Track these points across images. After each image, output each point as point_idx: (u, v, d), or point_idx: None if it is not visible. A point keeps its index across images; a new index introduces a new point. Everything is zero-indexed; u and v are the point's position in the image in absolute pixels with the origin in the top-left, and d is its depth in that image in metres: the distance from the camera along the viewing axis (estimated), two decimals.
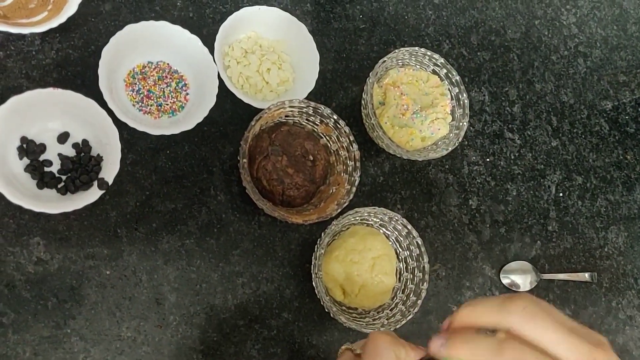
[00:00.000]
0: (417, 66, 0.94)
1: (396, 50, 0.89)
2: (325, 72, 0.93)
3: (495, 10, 1.08)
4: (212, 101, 0.82)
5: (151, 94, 0.83)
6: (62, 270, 0.75)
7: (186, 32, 0.83)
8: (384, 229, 0.87)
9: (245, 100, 0.83)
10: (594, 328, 0.87)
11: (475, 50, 1.04)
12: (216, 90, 0.82)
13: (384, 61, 0.87)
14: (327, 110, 0.83)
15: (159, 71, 0.84)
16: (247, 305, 0.82)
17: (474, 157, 0.99)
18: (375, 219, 0.86)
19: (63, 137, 0.77)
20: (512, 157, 1.01)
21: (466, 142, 0.99)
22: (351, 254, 0.82)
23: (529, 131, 1.03)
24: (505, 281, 0.94)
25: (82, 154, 0.77)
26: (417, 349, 0.47)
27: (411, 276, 0.85)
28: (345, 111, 0.92)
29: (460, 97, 0.92)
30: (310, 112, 0.84)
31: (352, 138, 0.83)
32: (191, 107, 0.84)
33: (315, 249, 0.80)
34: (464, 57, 1.03)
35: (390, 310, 0.84)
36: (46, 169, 0.76)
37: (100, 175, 0.76)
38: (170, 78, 0.85)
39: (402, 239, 0.86)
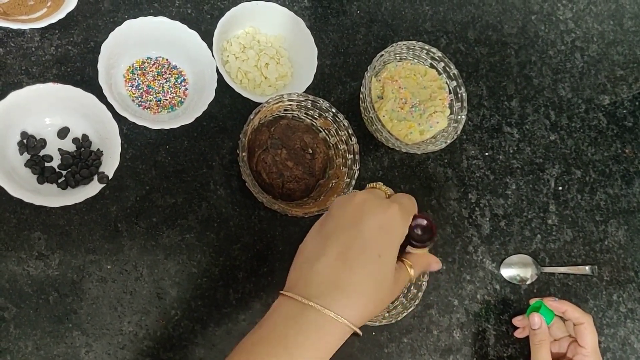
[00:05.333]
0: (415, 60, 0.94)
1: (394, 45, 0.89)
2: (323, 67, 0.93)
3: (492, 5, 1.08)
4: (211, 96, 0.82)
5: (150, 90, 0.84)
6: (63, 265, 0.75)
7: (185, 27, 0.84)
8: None
9: (244, 94, 0.84)
10: (596, 321, 0.87)
11: (472, 46, 1.05)
12: (215, 85, 0.83)
13: (382, 55, 0.88)
14: (325, 104, 0.83)
15: (158, 67, 0.85)
16: (248, 300, 0.82)
17: (473, 151, 0.99)
18: None
19: (63, 132, 0.78)
20: (511, 151, 1.01)
21: (465, 137, 0.99)
22: None
23: (527, 125, 1.04)
24: (505, 275, 0.94)
25: (82, 148, 0.77)
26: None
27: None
28: (344, 106, 0.93)
29: (458, 90, 0.92)
30: (309, 105, 0.84)
31: (350, 131, 0.84)
32: (190, 102, 0.85)
33: None
34: (462, 52, 1.03)
35: (391, 303, 0.84)
36: (46, 164, 0.77)
37: (100, 170, 0.76)
38: (169, 73, 0.85)
39: None
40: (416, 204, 0.63)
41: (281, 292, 0.56)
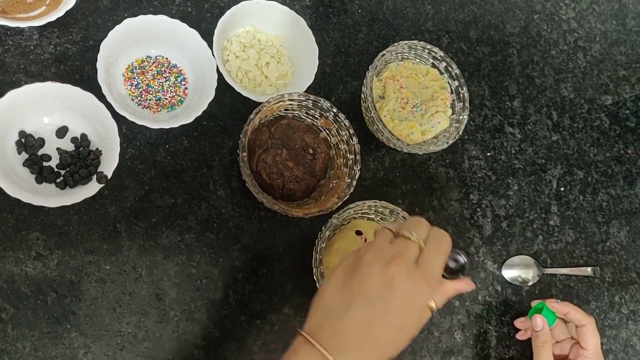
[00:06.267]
0: (417, 60, 0.94)
1: (395, 44, 0.89)
2: (324, 67, 0.93)
3: (494, 4, 1.07)
4: (211, 95, 0.81)
5: (150, 89, 0.83)
6: (61, 265, 0.75)
7: (185, 26, 0.83)
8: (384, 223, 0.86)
9: (245, 94, 0.83)
10: (598, 323, 0.87)
11: (474, 45, 1.04)
12: (215, 85, 0.82)
13: (384, 54, 0.87)
14: (326, 104, 0.83)
15: (157, 65, 0.84)
16: (248, 301, 0.82)
17: (475, 152, 0.98)
18: (376, 213, 0.85)
19: (62, 131, 0.77)
20: (513, 152, 1.01)
21: (466, 137, 0.98)
22: (352, 247, 0.81)
23: (529, 125, 1.03)
24: (507, 276, 0.94)
25: (81, 148, 0.77)
26: None
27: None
28: (345, 105, 0.92)
29: (460, 90, 0.91)
30: (310, 105, 0.83)
31: (352, 131, 0.83)
32: (190, 102, 0.84)
33: (316, 243, 0.80)
34: (464, 51, 1.03)
35: None
36: (45, 164, 0.76)
37: (99, 169, 0.75)
38: (169, 72, 0.85)
39: None
40: (450, 243, 0.62)
41: (302, 332, 0.58)
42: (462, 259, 0.63)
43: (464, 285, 0.64)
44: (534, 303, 0.88)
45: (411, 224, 0.62)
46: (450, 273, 0.63)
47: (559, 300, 0.86)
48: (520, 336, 0.90)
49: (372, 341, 0.57)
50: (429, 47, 0.91)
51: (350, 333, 0.56)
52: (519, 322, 0.90)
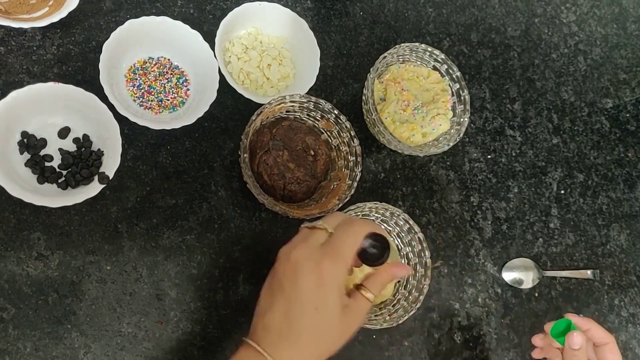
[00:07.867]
0: (418, 62, 0.94)
1: (397, 46, 0.89)
2: (325, 69, 0.93)
3: (495, 8, 1.08)
4: (212, 96, 0.82)
5: (152, 90, 0.83)
6: (62, 266, 0.75)
7: (187, 27, 0.83)
8: (385, 225, 0.87)
9: (246, 95, 0.83)
10: None
11: (475, 48, 1.04)
12: (217, 86, 0.82)
13: (385, 57, 0.87)
14: (328, 105, 0.83)
15: (159, 67, 0.85)
16: (248, 302, 0.82)
17: (475, 154, 0.99)
18: (376, 215, 0.85)
19: (64, 132, 0.77)
20: (513, 154, 1.01)
21: (467, 139, 0.99)
22: None
23: (530, 128, 1.03)
24: (507, 278, 0.94)
25: (83, 148, 0.77)
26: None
27: (413, 272, 0.84)
28: (346, 107, 0.92)
29: (461, 92, 0.92)
30: (311, 107, 0.84)
31: (353, 133, 0.83)
32: (192, 103, 0.84)
33: None
34: (464, 54, 1.03)
35: (392, 306, 0.83)
36: (47, 164, 0.76)
37: (100, 170, 0.75)
38: (171, 74, 0.85)
39: (403, 234, 0.85)
40: (363, 227, 0.63)
41: (244, 338, 0.62)
42: (381, 244, 0.64)
43: (397, 269, 0.66)
44: (550, 325, 0.77)
45: (326, 217, 0.66)
46: (375, 260, 0.64)
47: (581, 315, 0.78)
48: (536, 355, 0.81)
49: (295, 329, 0.59)
50: (430, 49, 0.92)
51: (275, 325, 0.59)
52: (537, 340, 0.80)
